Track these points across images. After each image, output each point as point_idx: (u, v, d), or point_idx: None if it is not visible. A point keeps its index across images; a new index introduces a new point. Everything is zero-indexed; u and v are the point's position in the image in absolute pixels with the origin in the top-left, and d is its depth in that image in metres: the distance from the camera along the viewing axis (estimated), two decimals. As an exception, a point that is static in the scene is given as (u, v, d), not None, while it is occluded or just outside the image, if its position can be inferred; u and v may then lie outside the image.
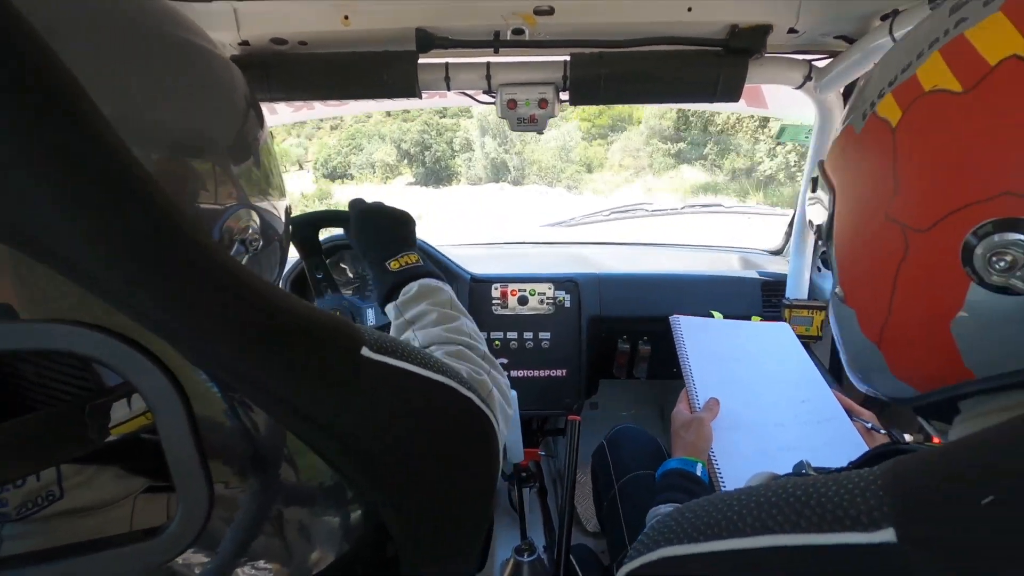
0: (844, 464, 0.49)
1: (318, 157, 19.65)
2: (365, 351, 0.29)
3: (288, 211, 0.55)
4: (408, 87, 1.01)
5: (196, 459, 0.27)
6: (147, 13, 0.36)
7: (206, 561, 0.33)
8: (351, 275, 1.59)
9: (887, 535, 0.22)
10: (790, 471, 0.56)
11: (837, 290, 0.46)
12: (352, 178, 18.89)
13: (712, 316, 1.16)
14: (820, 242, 0.50)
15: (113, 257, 0.19)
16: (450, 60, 1.02)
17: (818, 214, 0.50)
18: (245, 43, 0.97)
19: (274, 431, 0.32)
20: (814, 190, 0.50)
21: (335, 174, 19.11)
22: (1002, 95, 0.32)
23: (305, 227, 0.84)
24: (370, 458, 0.29)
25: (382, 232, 0.70)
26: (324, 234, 1.51)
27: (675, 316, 1.05)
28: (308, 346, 0.25)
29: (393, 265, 0.64)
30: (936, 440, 0.62)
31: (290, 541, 0.34)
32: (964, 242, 0.33)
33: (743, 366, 0.99)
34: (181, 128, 0.37)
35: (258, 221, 0.44)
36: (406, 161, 19.08)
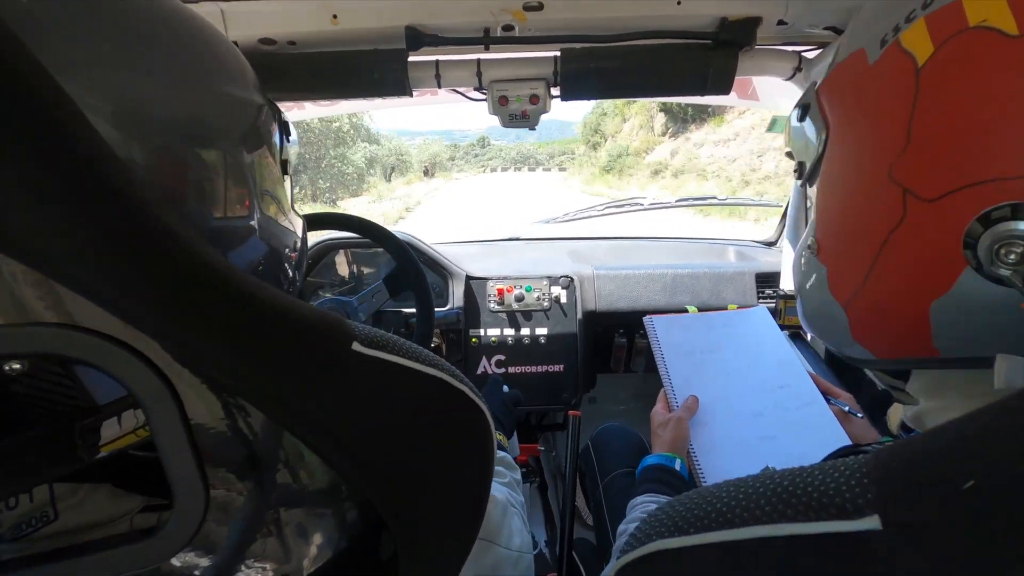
0: (821, 453, 0.46)
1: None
2: (356, 346, 0.29)
3: (304, 228, 0.53)
4: (399, 85, 1.00)
5: (191, 461, 0.28)
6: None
7: (206, 564, 0.33)
8: (345, 276, 1.59)
9: (872, 523, 0.22)
10: (769, 461, 0.55)
11: (811, 241, 0.41)
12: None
13: (687, 311, 1.16)
14: (799, 182, 0.44)
15: (88, 253, 0.19)
16: (440, 58, 1.02)
17: (803, 149, 0.43)
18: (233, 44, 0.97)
19: (270, 432, 0.32)
20: (801, 119, 0.43)
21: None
22: None
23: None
24: (362, 452, 0.29)
25: (498, 409, 1.02)
26: (320, 236, 1.52)
27: (648, 317, 1.05)
28: (295, 341, 0.26)
29: (498, 436, 0.87)
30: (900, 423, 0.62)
31: (287, 540, 0.34)
32: (972, 223, 0.28)
33: (720, 356, 0.99)
34: (187, 116, 0.34)
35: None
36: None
